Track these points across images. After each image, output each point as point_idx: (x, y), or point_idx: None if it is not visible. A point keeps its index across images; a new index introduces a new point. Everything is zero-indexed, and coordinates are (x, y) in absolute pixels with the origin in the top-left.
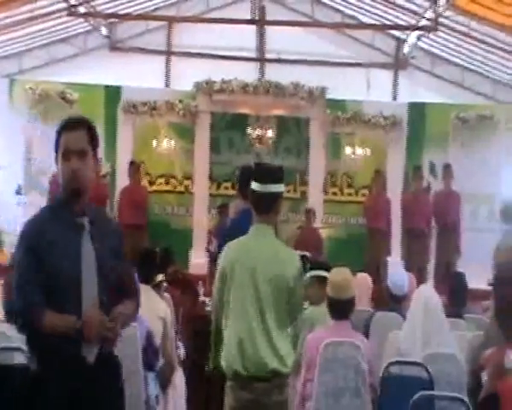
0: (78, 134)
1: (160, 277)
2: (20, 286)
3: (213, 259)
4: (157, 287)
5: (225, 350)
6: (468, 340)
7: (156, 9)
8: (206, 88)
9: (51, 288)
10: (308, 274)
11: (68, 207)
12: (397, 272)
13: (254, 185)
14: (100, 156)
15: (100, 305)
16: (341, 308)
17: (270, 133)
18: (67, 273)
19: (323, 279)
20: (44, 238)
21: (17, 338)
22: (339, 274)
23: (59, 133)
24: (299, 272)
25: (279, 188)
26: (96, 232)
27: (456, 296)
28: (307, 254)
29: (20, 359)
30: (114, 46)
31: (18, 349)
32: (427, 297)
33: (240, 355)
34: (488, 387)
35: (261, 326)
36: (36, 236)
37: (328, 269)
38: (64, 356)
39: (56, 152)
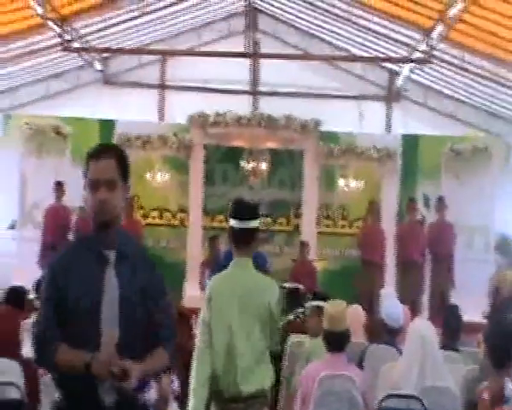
0: (106, 163)
1: None
2: (37, 321)
3: None
4: None
5: (212, 373)
6: (463, 373)
7: (149, 44)
8: (199, 121)
9: (70, 324)
10: (308, 304)
11: (96, 239)
12: (392, 305)
13: (232, 222)
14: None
15: (124, 346)
16: (337, 340)
17: (263, 166)
18: (86, 309)
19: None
20: (67, 271)
21: (11, 373)
22: (334, 307)
23: (87, 162)
24: (278, 298)
25: (255, 223)
26: (125, 267)
27: (451, 329)
28: (301, 286)
29: (13, 394)
30: (108, 80)
31: (11, 384)
32: (423, 331)
33: (222, 378)
34: None
35: (243, 351)
36: (58, 269)
37: (328, 301)
38: (82, 395)
39: (85, 181)
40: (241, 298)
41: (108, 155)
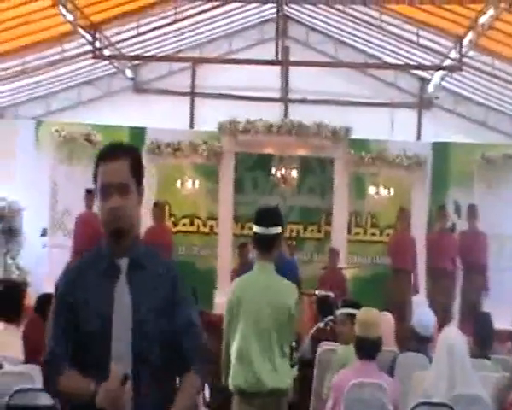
0: (118, 165)
1: None
2: (47, 343)
3: None
4: None
5: (232, 369)
6: (493, 381)
7: (180, 51)
8: (230, 128)
9: (80, 343)
10: (338, 311)
11: (109, 249)
12: (422, 312)
13: (255, 228)
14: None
15: (139, 370)
16: (368, 348)
17: (294, 173)
18: (94, 326)
19: (355, 318)
20: (76, 286)
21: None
22: (366, 313)
23: (97, 164)
24: (297, 301)
25: (277, 230)
26: (140, 277)
27: (482, 337)
28: (331, 294)
29: (44, 400)
30: (139, 88)
31: (42, 390)
32: (452, 339)
33: (243, 374)
34: None
35: (264, 349)
36: (67, 284)
37: (359, 308)
38: None
39: (96, 186)
40: (263, 300)
41: (120, 155)
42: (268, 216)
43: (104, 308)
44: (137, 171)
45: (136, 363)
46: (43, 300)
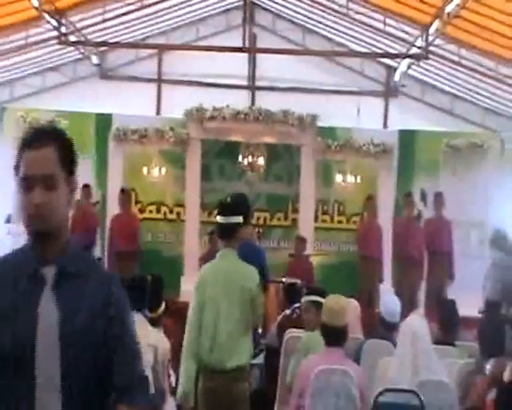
0: (43, 153)
1: (161, 309)
2: None
3: None
4: (158, 318)
5: (199, 348)
6: (458, 367)
7: (146, 38)
8: (197, 115)
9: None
10: (303, 299)
11: (32, 253)
12: (389, 300)
13: (218, 218)
14: (90, 184)
15: (68, 395)
16: (335, 335)
17: (261, 161)
18: (15, 344)
19: (320, 305)
20: None
21: None
22: (333, 301)
23: (20, 152)
24: (258, 283)
25: (238, 219)
26: (69, 288)
27: (448, 324)
28: (298, 281)
29: None
30: (105, 74)
31: None
32: (415, 327)
33: (208, 354)
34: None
35: (227, 331)
36: None
37: (324, 295)
38: None
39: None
40: (226, 284)
41: (45, 142)
42: (228, 206)
43: (25, 330)
44: (67, 160)
45: (65, 391)
46: None
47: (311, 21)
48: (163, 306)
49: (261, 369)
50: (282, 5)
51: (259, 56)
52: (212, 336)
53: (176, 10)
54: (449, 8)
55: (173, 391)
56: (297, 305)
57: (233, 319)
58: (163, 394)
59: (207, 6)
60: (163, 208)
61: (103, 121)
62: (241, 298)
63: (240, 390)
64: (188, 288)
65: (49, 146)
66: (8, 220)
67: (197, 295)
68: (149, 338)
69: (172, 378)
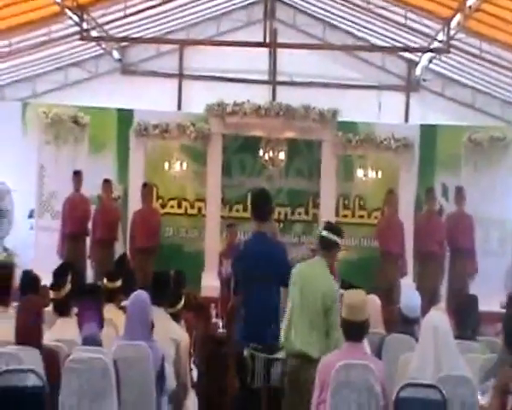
0: None
1: (181, 304)
2: None
3: (225, 281)
4: (178, 313)
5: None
6: (480, 362)
7: (168, 33)
8: (218, 111)
9: None
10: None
11: None
12: (409, 295)
13: (324, 232)
14: (110, 179)
15: None
16: (356, 330)
17: (281, 156)
18: None
19: None
20: None
21: (31, 361)
22: (353, 296)
23: None
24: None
25: (336, 239)
26: None
27: (469, 319)
28: None
29: (32, 380)
30: (126, 70)
31: (30, 371)
32: (436, 322)
33: (289, 339)
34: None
35: (304, 323)
36: None
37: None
38: None
39: None
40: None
41: None
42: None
43: None
44: None
45: None
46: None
47: (331, 16)
48: (182, 301)
49: (283, 364)
50: (302, 0)
51: (280, 51)
52: (294, 328)
53: (197, 5)
54: (470, 2)
55: (194, 385)
56: None
57: (313, 316)
58: (185, 388)
59: (228, 1)
60: (184, 203)
61: (124, 116)
62: (325, 301)
63: (304, 379)
64: (208, 283)
65: None
66: (30, 215)
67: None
68: (171, 333)
69: (194, 373)
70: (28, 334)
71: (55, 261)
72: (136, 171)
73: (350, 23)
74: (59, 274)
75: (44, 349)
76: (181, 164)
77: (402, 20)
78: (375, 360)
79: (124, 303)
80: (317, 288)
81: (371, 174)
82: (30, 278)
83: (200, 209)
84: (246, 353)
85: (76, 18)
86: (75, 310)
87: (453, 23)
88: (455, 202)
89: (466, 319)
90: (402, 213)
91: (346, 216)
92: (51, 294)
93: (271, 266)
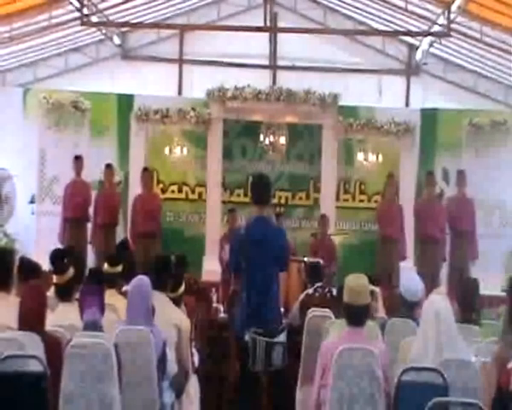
0: None
1: (182, 288)
2: None
3: (226, 266)
4: (179, 298)
5: None
6: (482, 346)
7: (168, 18)
8: (218, 95)
9: None
10: None
11: None
12: (410, 278)
13: None
14: (112, 164)
15: None
16: (357, 314)
17: (282, 140)
18: None
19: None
20: None
21: (33, 346)
22: (355, 280)
23: None
24: None
25: None
26: None
27: (471, 303)
28: (321, 261)
29: (34, 365)
30: (127, 55)
31: (32, 357)
32: (437, 305)
33: None
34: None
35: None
36: None
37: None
38: None
39: None
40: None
41: None
42: None
43: None
44: None
45: None
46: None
47: (332, 0)
48: (183, 285)
49: (284, 347)
50: None
51: (280, 36)
52: None
53: None
54: None
55: (196, 370)
56: (319, 284)
57: None
58: (186, 373)
59: None
60: (185, 188)
61: (125, 102)
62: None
63: None
64: (209, 268)
65: None
66: (32, 201)
67: None
68: (172, 318)
69: (196, 358)
70: (32, 320)
71: (57, 246)
72: (137, 156)
73: (350, 7)
74: (58, 259)
75: (46, 335)
76: (181, 149)
77: (402, 4)
78: (376, 344)
79: (125, 288)
80: None
81: (372, 158)
82: (30, 264)
83: (200, 194)
84: (247, 337)
85: (77, 3)
86: (76, 295)
87: (454, 7)
88: (455, 186)
89: (469, 302)
90: (402, 197)
91: (346, 200)
92: (54, 278)
93: (273, 250)
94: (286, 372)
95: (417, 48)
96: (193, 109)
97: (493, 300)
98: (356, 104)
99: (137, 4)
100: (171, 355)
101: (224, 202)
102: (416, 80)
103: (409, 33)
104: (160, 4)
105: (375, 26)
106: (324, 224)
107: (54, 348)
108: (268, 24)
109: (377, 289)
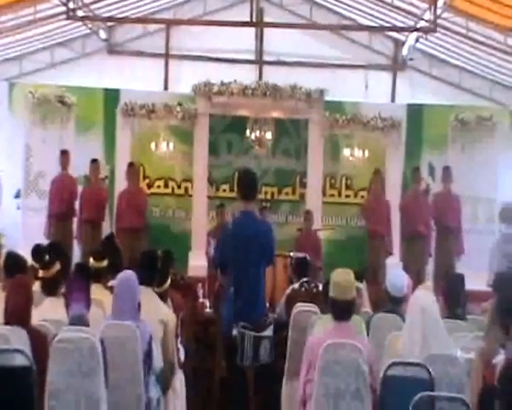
0: None
1: (168, 283)
2: None
3: (213, 261)
4: (164, 293)
5: None
6: (467, 341)
7: (154, 13)
8: (204, 90)
9: None
10: None
11: None
12: (396, 274)
13: None
14: (98, 159)
15: None
16: (343, 309)
17: (268, 135)
18: None
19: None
20: None
21: (19, 341)
22: (341, 275)
23: None
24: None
25: None
26: None
27: (455, 298)
28: (307, 256)
29: (19, 360)
30: (113, 49)
31: (18, 351)
32: (423, 301)
33: None
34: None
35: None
36: None
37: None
38: None
39: None
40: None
41: None
42: None
43: None
44: None
45: None
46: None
47: None
48: (169, 280)
49: (271, 342)
50: None
51: (267, 31)
52: None
53: None
54: None
55: (182, 365)
56: (305, 279)
57: None
58: (172, 368)
59: None
60: (171, 183)
61: (111, 96)
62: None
63: None
64: (195, 263)
65: None
66: (17, 195)
67: None
68: (158, 313)
69: (181, 353)
70: (18, 314)
71: (42, 241)
72: (123, 151)
73: (337, 2)
74: (40, 254)
75: (32, 329)
76: (168, 144)
77: (389, 0)
78: (362, 339)
79: (111, 283)
80: None
81: (358, 154)
82: (16, 259)
83: (186, 189)
84: (235, 332)
85: None
86: (62, 290)
87: (440, 2)
88: (442, 182)
89: (455, 298)
90: (389, 192)
91: (332, 196)
92: (40, 273)
93: (261, 245)
94: (272, 367)
95: (403, 43)
96: (179, 104)
97: (479, 295)
98: (342, 99)
99: None
100: (157, 350)
101: (210, 198)
102: (402, 76)
103: (395, 29)
104: None
105: (362, 21)
106: (309, 219)
107: (40, 342)
108: (254, 19)
109: (361, 285)
